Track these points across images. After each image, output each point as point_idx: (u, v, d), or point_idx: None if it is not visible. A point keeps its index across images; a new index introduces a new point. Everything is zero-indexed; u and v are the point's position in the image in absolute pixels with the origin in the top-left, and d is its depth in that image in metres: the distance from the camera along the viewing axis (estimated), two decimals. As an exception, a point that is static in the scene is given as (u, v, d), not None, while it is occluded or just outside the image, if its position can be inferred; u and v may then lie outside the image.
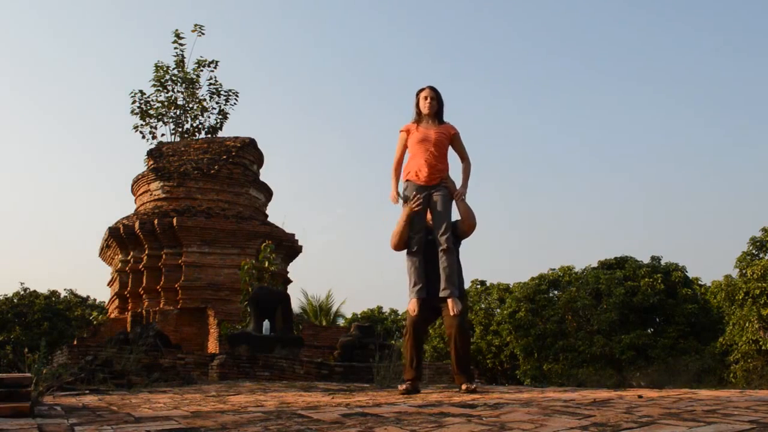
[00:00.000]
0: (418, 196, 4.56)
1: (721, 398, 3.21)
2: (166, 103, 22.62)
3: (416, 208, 4.54)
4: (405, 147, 4.75)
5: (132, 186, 19.92)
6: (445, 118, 4.81)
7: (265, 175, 22.17)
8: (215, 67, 23.31)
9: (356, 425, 2.61)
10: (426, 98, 4.69)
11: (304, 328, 16.44)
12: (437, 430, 2.39)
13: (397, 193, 4.71)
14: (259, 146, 20.23)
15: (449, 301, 4.44)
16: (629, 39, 77.51)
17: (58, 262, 65.57)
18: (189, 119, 22.85)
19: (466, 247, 4.85)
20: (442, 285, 4.47)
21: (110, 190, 70.68)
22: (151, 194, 18.88)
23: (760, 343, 19.56)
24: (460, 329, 4.44)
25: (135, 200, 19.82)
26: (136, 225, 17.36)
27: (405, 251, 4.63)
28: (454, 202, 4.66)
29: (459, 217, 4.69)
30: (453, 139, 4.72)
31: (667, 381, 15.29)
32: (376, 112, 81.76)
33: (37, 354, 6.20)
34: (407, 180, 4.65)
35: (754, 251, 21.76)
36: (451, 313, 4.41)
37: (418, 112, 4.73)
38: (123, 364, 8.49)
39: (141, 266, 17.70)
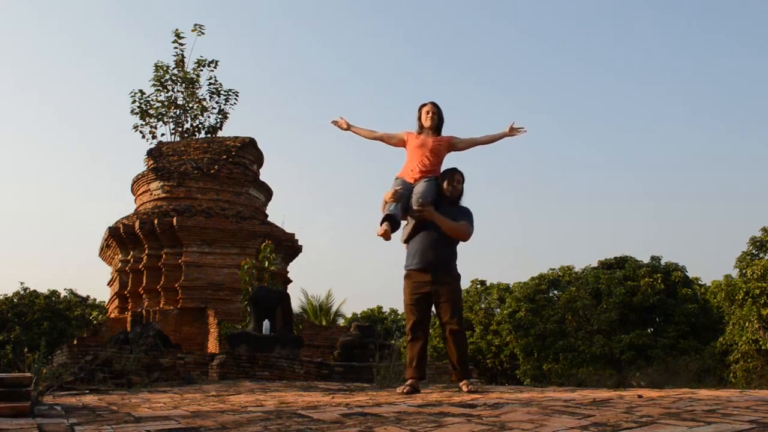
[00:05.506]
0: (398, 188, 4.66)
1: (721, 398, 3.21)
2: (166, 103, 22.58)
3: (394, 196, 4.63)
4: (396, 138, 4.95)
5: (132, 186, 19.91)
6: (445, 127, 4.97)
7: (265, 175, 22.17)
8: (215, 67, 23.28)
9: (356, 425, 2.61)
10: (428, 112, 4.91)
11: (304, 328, 16.41)
12: (437, 430, 2.39)
13: (347, 125, 5.02)
14: (259, 146, 20.27)
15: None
16: (628, 38, 77.58)
17: (58, 262, 65.57)
18: (189, 119, 22.81)
19: (467, 246, 4.86)
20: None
21: (110, 190, 70.60)
22: (151, 194, 18.87)
23: (760, 343, 19.56)
24: (458, 328, 4.52)
25: (135, 200, 19.82)
26: (136, 225, 17.36)
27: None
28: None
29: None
30: (453, 142, 4.90)
31: (666, 381, 15.29)
32: (375, 111, 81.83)
33: (37, 354, 6.20)
34: (400, 177, 4.81)
35: (754, 251, 21.76)
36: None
37: (420, 125, 4.93)
38: (123, 364, 8.49)
39: (141, 266, 17.70)
